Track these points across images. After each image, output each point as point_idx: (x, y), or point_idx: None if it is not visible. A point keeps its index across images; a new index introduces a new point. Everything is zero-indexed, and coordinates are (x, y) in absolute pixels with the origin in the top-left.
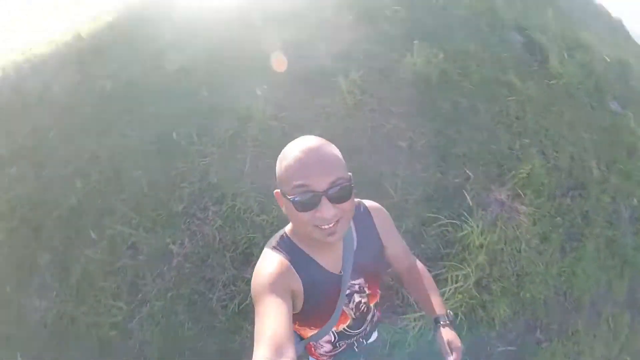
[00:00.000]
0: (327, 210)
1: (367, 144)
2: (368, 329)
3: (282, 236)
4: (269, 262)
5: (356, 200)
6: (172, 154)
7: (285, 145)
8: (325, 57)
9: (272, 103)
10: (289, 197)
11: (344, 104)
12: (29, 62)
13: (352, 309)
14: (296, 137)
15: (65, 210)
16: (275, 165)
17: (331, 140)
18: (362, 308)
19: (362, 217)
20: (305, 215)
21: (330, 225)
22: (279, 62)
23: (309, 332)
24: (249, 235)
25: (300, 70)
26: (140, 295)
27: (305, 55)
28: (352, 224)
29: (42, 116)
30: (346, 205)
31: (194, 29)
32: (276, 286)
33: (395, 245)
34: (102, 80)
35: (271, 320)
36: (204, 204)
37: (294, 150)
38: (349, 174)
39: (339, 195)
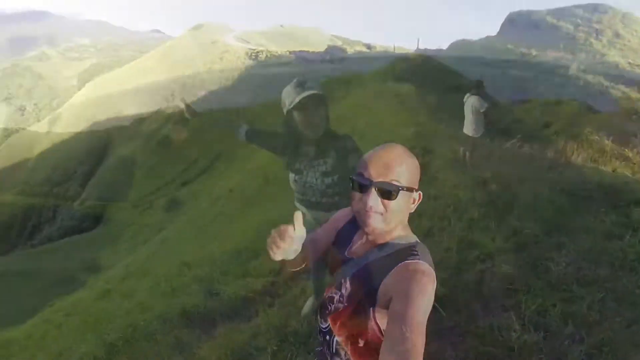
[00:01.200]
0: (370, 197)
1: None
2: (327, 350)
3: None
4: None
5: (418, 250)
6: None
7: None
8: None
9: None
10: (352, 177)
11: None
12: None
13: (336, 291)
14: None
15: None
16: None
17: None
18: (331, 309)
19: (395, 258)
20: (357, 196)
21: (370, 213)
22: None
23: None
24: None
25: None
26: None
27: None
28: (388, 251)
29: None
30: (389, 204)
31: None
32: (332, 222)
33: (390, 313)
34: None
35: (314, 234)
36: None
37: (377, 148)
38: (416, 190)
39: (385, 191)
